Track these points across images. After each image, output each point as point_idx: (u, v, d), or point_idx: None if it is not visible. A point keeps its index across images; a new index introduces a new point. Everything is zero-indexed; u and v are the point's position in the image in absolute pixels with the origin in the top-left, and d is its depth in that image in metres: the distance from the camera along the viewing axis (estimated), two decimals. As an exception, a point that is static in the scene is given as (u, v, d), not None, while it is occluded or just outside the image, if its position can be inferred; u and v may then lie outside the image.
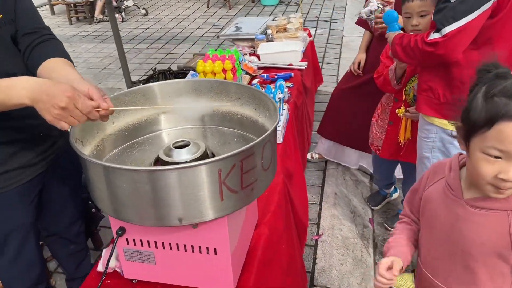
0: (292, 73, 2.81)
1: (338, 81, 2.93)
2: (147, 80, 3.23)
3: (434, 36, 1.55)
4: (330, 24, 6.41)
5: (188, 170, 1.02)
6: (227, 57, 2.05)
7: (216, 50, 2.17)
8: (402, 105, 2.13)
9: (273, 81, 2.70)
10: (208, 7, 7.87)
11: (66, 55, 1.33)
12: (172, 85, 1.44)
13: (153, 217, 1.09)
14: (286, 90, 2.15)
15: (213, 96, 1.43)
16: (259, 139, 1.09)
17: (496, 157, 0.89)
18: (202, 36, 6.24)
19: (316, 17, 6.73)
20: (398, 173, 2.56)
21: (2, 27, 1.25)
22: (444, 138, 1.73)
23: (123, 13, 7.44)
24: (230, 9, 7.65)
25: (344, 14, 6.77)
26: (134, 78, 4.37)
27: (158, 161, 1.32)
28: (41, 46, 1.32)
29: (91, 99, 1.10)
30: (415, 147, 2.15)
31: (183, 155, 1.24)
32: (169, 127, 1.51)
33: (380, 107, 2.28)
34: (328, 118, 2.95)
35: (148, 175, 1.03)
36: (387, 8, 2.33)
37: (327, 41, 5.82)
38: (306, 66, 2.96)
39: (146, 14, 7.62)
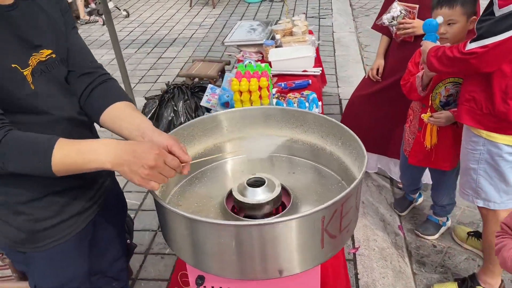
0: (310, 81, 2.75)
1: (356, 87, 2.87)
2: (162, 96, 3.09)
3: (472, 46, 1.53)
4: (319, 20, 6.36)
5: (292, 222, 0.95)
6: (260, 73, 1.97)
7: (245, 66, 2.09)
8: (428, 110, 2.10)
9: (291, 90, 2.64)
10: (191, 6, 7.70)
11: (127, 97, 1.24)
12: (238, 113, 1.38)
13: (246, 270, 1.02)
14: (320, 103, 2.09)
15: (284, 125, 1.36)
16: (359, 178, 1.03)
17: None
18: (190, 37, 6.10)
19: (304, 13, 6.65)
20: (424, 178, 2.55)
21: (56, 67, 1.14)
22: (492, 151, 1.71)
23: (103, 16, 7.18)
24: (214, 8, 7.50)
25: (331, 9, 6.73)
26: (130, 87, 4.20)
27: (229, 198, 1.25)
28: (101, 88, 1.22)
29: (170, 152, 1.05)
30: (446, 155, 2.14)
31: (259, 194, 1.17)
32: (232, 156, 1.44)
33: (412, 113, 2.25)
34: (347, 125, 2.90)
35: (248, 230, 0.96)
36: (412, 15, 2.30)
37: (319, 38, 5.77)
38: (320, 72, 2.91)
39: (128, 16, 7.39)
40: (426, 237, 2.43)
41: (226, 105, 2.29)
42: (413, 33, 2.30)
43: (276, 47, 3.16)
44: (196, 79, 3.73)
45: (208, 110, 2.43)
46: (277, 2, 7.57)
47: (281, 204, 1.22)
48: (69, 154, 0.99)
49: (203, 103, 2.37)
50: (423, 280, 2.19)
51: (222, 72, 3.87)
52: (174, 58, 5.40)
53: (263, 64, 2.10)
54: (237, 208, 1.21)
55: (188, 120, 2.49)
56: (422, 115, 2.13)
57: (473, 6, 1.89)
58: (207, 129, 1.39)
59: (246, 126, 1.41)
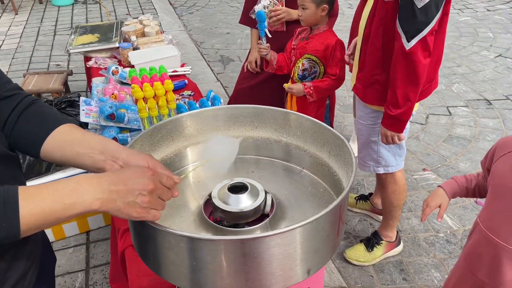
0: (186, 81, 2.65)
1: (237, 81, 2.89)
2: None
3: (412, 43, 1.65)
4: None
5: (317, 221, 0.89)
6: (159, 76, 1.80)
7: (136, 70, 1.88)
8: (290, 81, 2.37)
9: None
10: (-16, 13, 6.53)
11: (67, 119, 0.98)
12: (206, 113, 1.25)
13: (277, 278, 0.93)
14: (222, 102, 2.03)
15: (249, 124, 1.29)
16: (354, 164, 1.04)
17: None
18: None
19: (128, 14, 6.35)
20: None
21: None
22: (390, 121, 1.93)
23: None
24: (17, 14, 6.51)
25: (155, 9, 6.57)
26: None
27: (208, 205, 1.13)
28: (29, 113, 0.93)
29: None
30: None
31: (243, 202, 1.09)
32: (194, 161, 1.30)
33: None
34: None
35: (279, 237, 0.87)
36: (280, 2, 2.42)
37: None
38: (191, 70, 2.83)
39: None
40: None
41: (111, 117, 2.04)
42: (285, 19, 2.44)
43: (134, 49, 2.95)
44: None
45: (87, 124, 2.12)
46: (91, 3, 7.02)
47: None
48: (42, 203, 0.73)
49: (83, 119, 2.05)
50: (332, 250, 2.37)
51: (66, 84, 3.41)
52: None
53: (157, 67, 1.93)
54: (218, 216, 1.11)
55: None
56: (284, 84, 2.38)
57: None
58: (167, 135, 1.23)
59: (205, 128, 1.29)
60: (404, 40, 1.66)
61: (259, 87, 2.69)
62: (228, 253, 0.88)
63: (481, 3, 6.54)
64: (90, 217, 2.40)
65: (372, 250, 2.28)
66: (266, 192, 1.12)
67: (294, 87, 2.31)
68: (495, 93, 4.01)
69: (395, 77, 1.73)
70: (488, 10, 6.23)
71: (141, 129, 2.06)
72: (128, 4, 6.88)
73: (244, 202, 1.09)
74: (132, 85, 1.69)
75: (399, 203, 2.17)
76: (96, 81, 2.59)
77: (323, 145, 1.22)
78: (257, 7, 2.39)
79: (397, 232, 2.32)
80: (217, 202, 1.09)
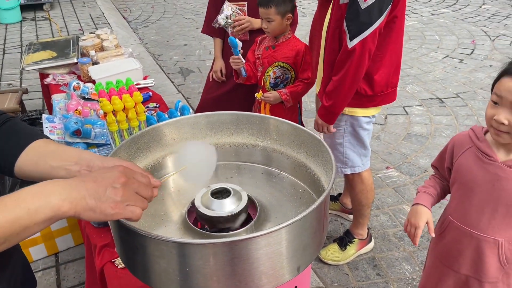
0: (150, 93, 2.63)
1: (203, 90, 2.90)
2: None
3: (354, 42, 1.73)
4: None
5: (305, 218, 0.92)
6: (126, 88, 1.78)
7: (102, 84, 1.85)
8: (260, 90, 2.40)
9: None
10: None
11: (42, 134, 0.96)
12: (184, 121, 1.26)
13: (266, 279, 0.95)
14: (191, 111, 2.03)
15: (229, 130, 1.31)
16: (334, 161, 1.08)
17: (495, 103, 1.19)
18: None
19: (80, 29, 6.20)
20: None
21: None
22: (354, 123, 2.00)
23: None
24: (-40, 33, 6.21)
25: (109, 23, 6.46)
26: None
27: (191, 212, 1.13)
28: (3, 131, 0.91)
29: None
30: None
31: (227, 206, 1.10)
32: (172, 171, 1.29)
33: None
34: None
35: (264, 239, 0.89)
36: (243, 12, 2.46)
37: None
38: (153, 83, 2.81)
39: None
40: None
41: (77, 133, 2.00)
42: (249, 28, 2.47)
43: (93, 64, 2.89)
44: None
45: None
46: (41, 20, 6.80)
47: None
48: (5, 211, 0.67)
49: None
50: (306, 252, 2.41)
51: (21, 103, 3.29)
52: None
53: (123, 80, 1.91)
54: (203, 222, 1.11)
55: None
56: (256, 94, 2.40)
57: (286, 7, 2.19)
58: (144, 146, 1.22)
59: (183, 137, 1.29)
60: (347, 38, 1.74)
61: (226, 96, 2.70)
62: (221, 256, 0.88)
63: (425, 8, 6.90)
64: (58, 238, 2.32)
65: (345, 249, 2.34)
66: (248, 196, 1.14)
67: (270, 96, 2.31)
68: (445, 91, 4.23)
69: (336, 72, 1.83)
70: (432, 14, 6.57)
71: (109, 143, 2.03)
72: (80, 20, 6.72)
73: (228, 207, 1.10)
74: (100, 99, 1.66)
75: (368, 201, 2.24)
76: (57, 97, 2.52)
77: (299, 147, 1.26)
78: (220, 17, 2.43)
79: (368, 229, 2.39)
80: (201, 208, 1.09)
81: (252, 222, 1.12)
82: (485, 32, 5.71)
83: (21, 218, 0.68)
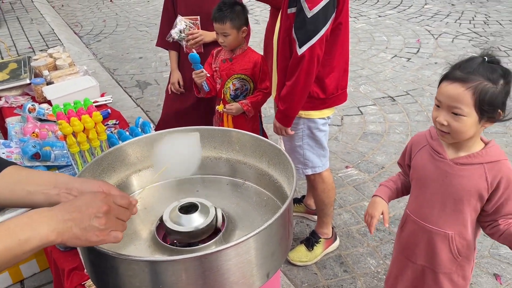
0: (109, 110, 2.62)
1: (163, 105, 2.91)
2: None
3: (303, 49, 1.82)
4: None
5: (270, 226, 0.97)
6: (85, 109, 1.78)
7: (60, 106, 1.83)
8: (221, 102, 2.44)
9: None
10: None
11: (10, 161, 0.96)
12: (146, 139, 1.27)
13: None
14: (152, 126, 2.04)
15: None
16: (294, 169, 1.14)
17: (437, 106, 1.29)
18: None
19: (30, 48, 6.02)
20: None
21: None
22: (311, 126, 2.09)
23: None
24: None
25: (59, 40, 6.30)
26: None
27: (160, 229, 1.16)
28: None
29: None
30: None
31: (195, 220, 1.14)
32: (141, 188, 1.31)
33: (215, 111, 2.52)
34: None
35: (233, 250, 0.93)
36: (196, 26, 2.50)
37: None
38: (111, 99, 2.80)
39: None
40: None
41: (36, 156, 1.97)
42: (203, 41, 2.51)
43: (48, 84, 2.84)
44: None
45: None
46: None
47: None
48: None
49: (5, 162, 1.95)
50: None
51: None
52: None
53: (76, 99, 1.90)
54: (173, 238, 1.15)
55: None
56: (217, 107, 2.45)
57: (241, 21, 2.25)
58: (108, 167, 1.24)
59: (147, 155, 1.31)
60: (297, 46, 1.84)
61: (187, 110, 2.72)
62: (192, 271, 0.92)
63: (372, 10, 7.18)
64: (23, 265, 2.26)
65: (312, 249, 2.42)
66: (215, 208, 1.18)
67: (233, 108, 2.34)
68: (396, 90, 4.43)
69: (289, 77, 1.93)
70: (379, 16, 6.85)
71: (70, 165, 2.01)
72: (29, 38, 6.52)
73: (196, 221, 1.14)
74: (59, 121, 1.65)
75: (330, 200, 2.33)
76: (11, 121, 2.46)
77: (261, 156, 1.31)
78: (174, 31, 2.45)
79: (332, 228, 2.48)
80: (169, 224, 1.13)
81: (221, 233, 1.16)
82: (429, 31, 6.02)
83: (13, 249, 0.73)
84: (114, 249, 0.91)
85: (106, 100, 2.75)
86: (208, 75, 2.31)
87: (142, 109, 4.32)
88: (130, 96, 4.62)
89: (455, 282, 1.51)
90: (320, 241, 2.43)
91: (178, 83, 2.71)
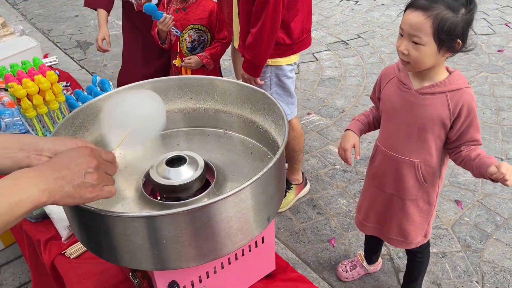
0: (57, 71, 2.42)
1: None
2: None
3: None
4: None
5: (270, 170, 0.94)
6: (37, 69, 1.62)
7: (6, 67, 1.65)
8: (178, 56, 2.33)
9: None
10: None
11: None
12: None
13: (236, 238, 0.97)
14: (111, 83, 1.91)
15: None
16: (283, 110, 1.10)
17: (401, 34, 1.29)
18: None
19: None
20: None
21: None
22: (278, 73, 2.04)
23: None
24: None
25: None
26: None
27: (146, 186, 1.10)
28: None
29: None
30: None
31: (185, 173, 1.09)
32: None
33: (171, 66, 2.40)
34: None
35: (232, 200, 0.89)
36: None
37: None
38: (57, 60, 2.59)
39: None
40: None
41: None
42: None
43: (-19, 47, 2.56)
44: None
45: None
46: None
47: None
48: None
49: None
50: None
51: None
52: None
53: (20, 62, 1.72)
54: (162, 193, 1.10)
55: None
56: (174, 61, 2.35)
57: None
58: (81, 126, 1.14)
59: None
60: None
61: (142, 69, 2.58)
62: (198, 221, 0.88)
63: (315, -46, 7.03)
64: (-15, 243, 2.12)
65: (285, 196, 2.44)
66: (204, 160, 1.13)
67: (192, 61, 2.24)
68: (347, 33, 4.44)
69: (254, 24, 1.85)
70: (323, -40, 6.73)
71: (24, 133, 1.86)
72: None
73: (186, 173, 1.08)
74: (10, 84, 1.50)
75: (300, 146, 2.34)
76: None
77: (243, 103, 1.26)
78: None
79: (302, 173, 2.51)
80: (158, 179, 1.06)
81: (212, 184, 1.12)
82: (373, -27, 6.02)
83: (4, 214, 0.66)
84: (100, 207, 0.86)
85: (51, 62, 2.55)
86: (172, 17, 2.16)
87: (87, 70, 4.06)
88: (72, 58, 4.32)
89: (420, 208, 1.58)
90: (292, 187, 2.46)
91: (104, 40, 2.51)
